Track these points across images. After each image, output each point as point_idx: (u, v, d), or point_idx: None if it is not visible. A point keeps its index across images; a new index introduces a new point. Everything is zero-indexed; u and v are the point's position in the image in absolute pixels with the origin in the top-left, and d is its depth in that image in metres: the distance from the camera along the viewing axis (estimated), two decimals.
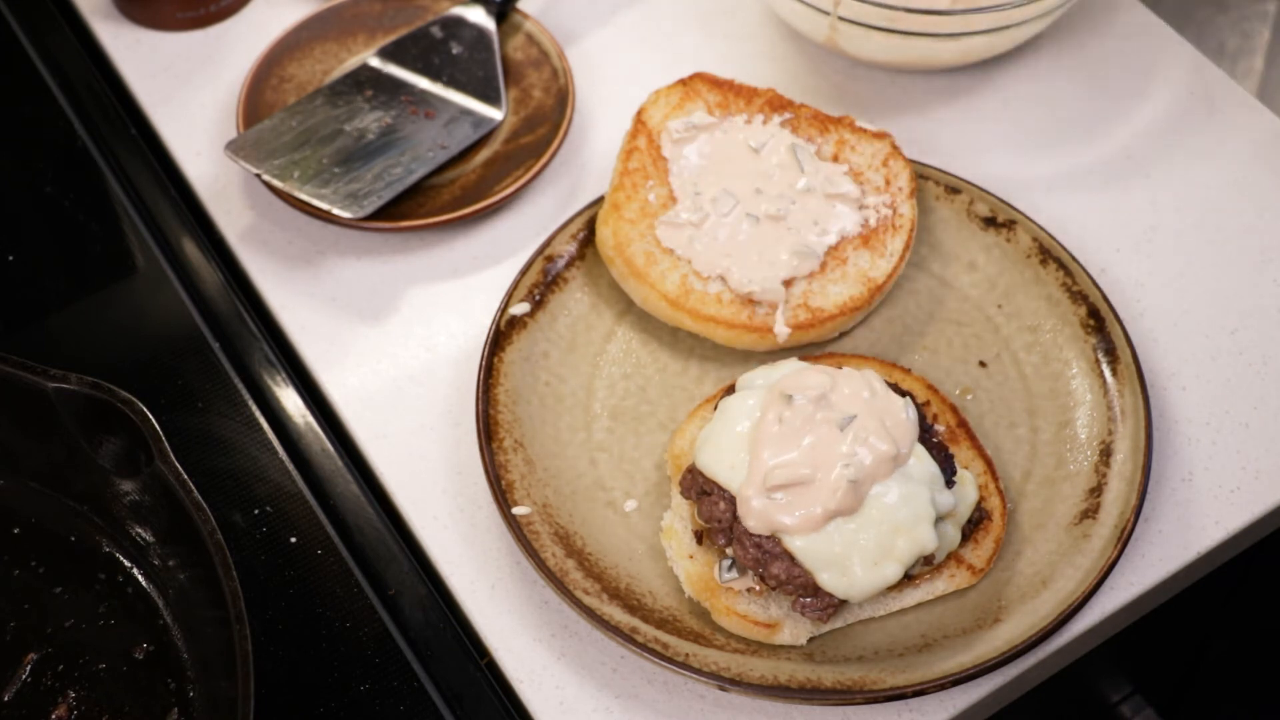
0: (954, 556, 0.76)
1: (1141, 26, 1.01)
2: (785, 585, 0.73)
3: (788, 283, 0.85)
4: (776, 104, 0.90)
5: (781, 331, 0.84)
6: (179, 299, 0.91)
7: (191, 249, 0.93)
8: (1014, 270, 0.87)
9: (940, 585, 0.76)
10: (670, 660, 0.72)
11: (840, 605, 0.74)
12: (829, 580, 0.72)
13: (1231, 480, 0.81)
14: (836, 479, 0.72)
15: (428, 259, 0.92)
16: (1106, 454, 0.79)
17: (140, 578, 0.77)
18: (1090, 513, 0.78)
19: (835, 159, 0.89)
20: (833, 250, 0.86)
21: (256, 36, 1.02)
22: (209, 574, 0.69)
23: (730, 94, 0.90)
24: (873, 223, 0.86)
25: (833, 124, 0.90)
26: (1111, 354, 0.82)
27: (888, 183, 0.87)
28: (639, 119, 0.89)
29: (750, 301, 0.84)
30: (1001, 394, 0.84)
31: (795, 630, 0.75)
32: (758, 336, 0.84)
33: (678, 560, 0.77)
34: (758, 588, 0.75)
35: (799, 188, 0.86)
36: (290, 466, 0.83)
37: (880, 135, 0.89)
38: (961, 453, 0.80)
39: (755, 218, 0.85)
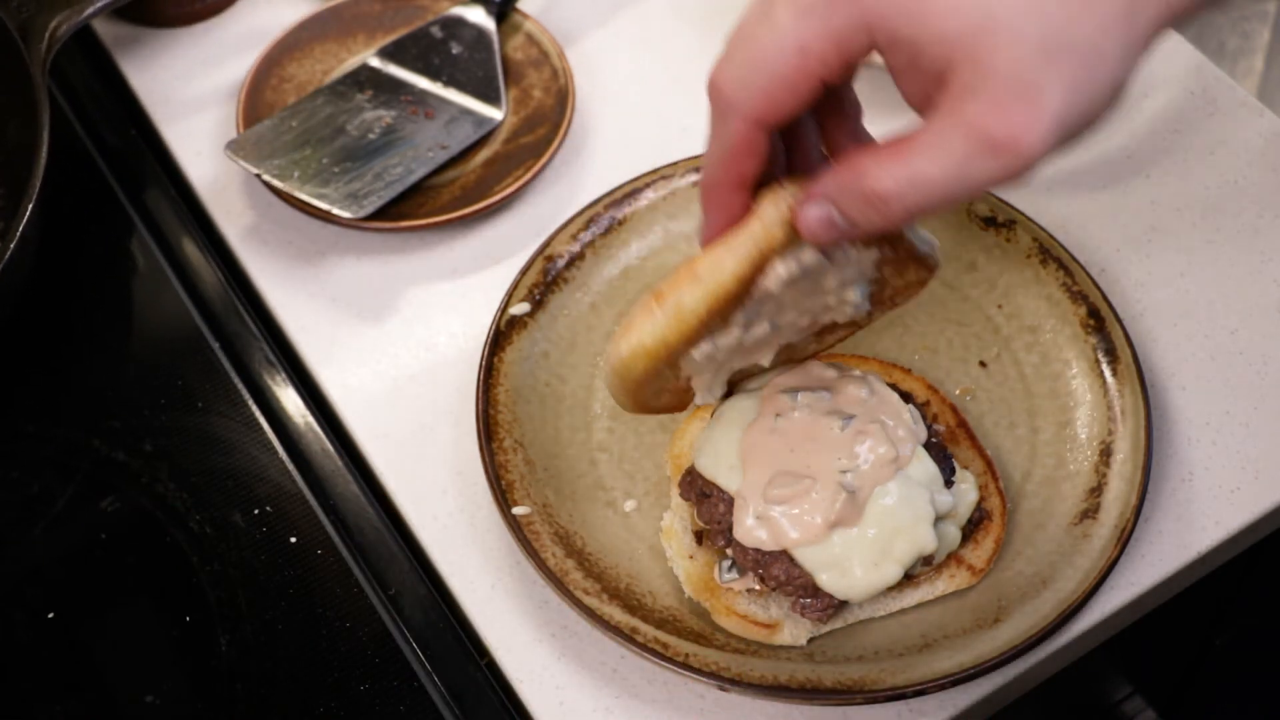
0: (954, 556, 0.76)
1: None
2: (785, 586, 0.73)
3: None
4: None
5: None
6: (179, 299, 0.91)
7: (191, 249, 0.93)
8: (1014, 270, 0.87)
9: (940, 585, 0.76)
10: (670, 660, 0.72)
11: (840, 606, 0.74)
12: (829, 581, 0.72)
13: (1231, 480, 0.81)
14: (835, 487, 0.71)
15: (428, 259, 0.92)
16: (1106, 454, 0.79)
17: None
18: (1090, 513, 0.77)
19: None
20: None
21: (256, 36, 1.02)
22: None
23: None
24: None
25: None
26: (1111, 354, 0.82)
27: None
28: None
29: None
30: (1001, 394, 0.84)
31: (795, 630, 0.75)
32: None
33: (678, 560, 0.77)
34: (758, 588, 0.75)
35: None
36: (290, 466, 0.83)
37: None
38: (961, 453, 0.80)
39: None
